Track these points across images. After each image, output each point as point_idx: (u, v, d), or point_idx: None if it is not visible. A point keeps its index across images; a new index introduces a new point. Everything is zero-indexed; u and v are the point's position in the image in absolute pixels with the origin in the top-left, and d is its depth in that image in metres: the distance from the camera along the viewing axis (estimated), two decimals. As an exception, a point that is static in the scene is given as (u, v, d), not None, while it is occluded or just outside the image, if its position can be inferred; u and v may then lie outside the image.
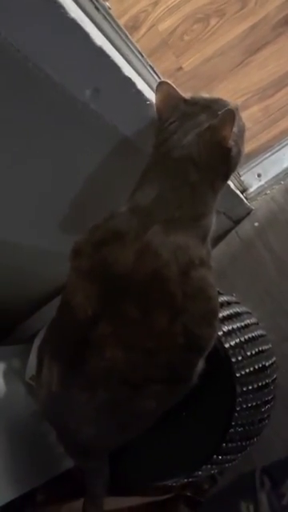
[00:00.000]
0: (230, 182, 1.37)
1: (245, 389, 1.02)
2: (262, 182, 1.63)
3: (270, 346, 1.19)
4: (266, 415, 1.12)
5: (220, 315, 1.04)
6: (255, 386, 1.06)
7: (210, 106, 0.86)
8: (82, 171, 0.92)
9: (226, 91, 1.66)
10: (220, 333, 1.03)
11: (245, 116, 1.65)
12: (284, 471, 1.03)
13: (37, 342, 1.28)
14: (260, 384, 1.07)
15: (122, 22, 1.66)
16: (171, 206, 0.79)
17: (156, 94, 0.84)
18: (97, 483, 0.97)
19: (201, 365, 0.87)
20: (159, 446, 1.01)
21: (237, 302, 1.19)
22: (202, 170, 0.81)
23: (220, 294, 1.13)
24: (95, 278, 0.79)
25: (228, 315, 1.09)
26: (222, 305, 1.10)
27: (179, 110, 0.85)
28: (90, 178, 0.94)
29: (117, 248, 0.78)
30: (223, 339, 1.03)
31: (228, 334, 1.05)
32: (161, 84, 0.84)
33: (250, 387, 1.04)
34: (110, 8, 0.70)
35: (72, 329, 0.81)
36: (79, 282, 0.81)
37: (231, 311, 1.11)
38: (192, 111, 0.85)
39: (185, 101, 0.88)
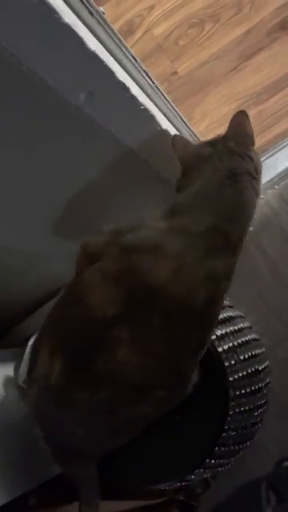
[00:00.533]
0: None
1: (238, 393, 1.03)
2: (256, 187, 1.63)
3: (264, 350, 1.19)
4: (258, 419, 1.12)
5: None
6: (248, 390, 1.06)
7: (228, 135, 0.94)
8: (77, 175, 0.92)
9: (220, 96, 1.67)
10: (213, 337, 1.03)
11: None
12: None
13: (31, 345, 1.28)
14: (253, 388, 1.07)
15: (117, 26, 1.67)
16: (220, 234, 0.82)
17: (174, 146, 0.92)
18: (89, 487, 0.97)
19: (196, 373, 0.89)
20: (152, 450, 1.01)
21: (230, 306, 1.19)
22: (247, 185, 0.87)
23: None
24: (122, 282, 0.80)
25: (221, 319, 1.09)
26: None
27: (203, 152, 0.91)
28: (85, 182, 0.94)
29: (153, 260, 0.80)
30: (216, 343, 1.03)
31: (221, 338, 1.06)
32: (176, 137, 0.93)
33: (243, 391, 1.04)
34: (104, 13, 0.71)
35: (85, 325, 0.82)
36: (100, 282, 0.82)
37: (224, 315, 1.11)
38: (216, 146, 0.91)
39: (203, 145, 0.93)
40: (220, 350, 1.03)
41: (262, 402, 1.12)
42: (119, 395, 0.82)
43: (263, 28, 1.67)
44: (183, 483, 1.11)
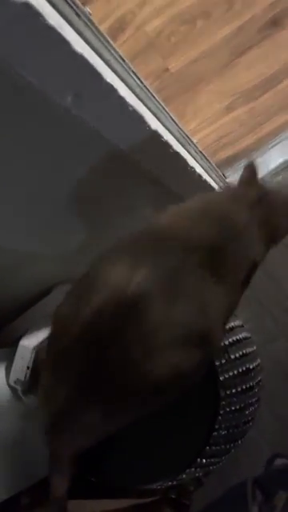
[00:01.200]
0: (215, 185, 1.38)
1: (228, 392, 1.03)
2: (248, 184, 1.64)
3: (255, 348, 1.19)
4: (250, 417, 1.13)
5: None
6: (239, 388, 1.06)
7: None
8: (68, 176, 0.92)
9: (212, 93, 1.67)
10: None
11: (230, 118, 1.68)
12: (276, 483, 1.03)
13: (22, 345, 1.27)
14: (244, 387, 1.08)
15: (108, 23, 1.66)
16: None
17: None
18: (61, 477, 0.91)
19: None
20: (143, 450, 1.01)
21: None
22: None
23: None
24: (210, 217, 0.86)
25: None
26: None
27: None
28: (76, 182, 0.94)
29: (232, 204, 0.91)
30: (207, 343, 1.03)
31: (212, 337, 1.06)
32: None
33: (234, 390, 1.04)
34: (90, 14, 0.70)
35: (171, 247, 0.80)
36: (187, 217, 0.86)
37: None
38: None
39: None
40: (211, 349, 1.03)
41: (254, 400, 1.13)
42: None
43: (255, 25, 1.67)
44: (175, 482, 1.11)
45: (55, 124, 0.74)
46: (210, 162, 1.35)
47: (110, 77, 0.74)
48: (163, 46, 1.66)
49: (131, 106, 0.81)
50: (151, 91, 0.91)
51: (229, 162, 1.67)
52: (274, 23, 1.66)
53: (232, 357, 1.07)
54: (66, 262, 1.23)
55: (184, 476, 1.04)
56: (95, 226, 1.09)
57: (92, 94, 0.72)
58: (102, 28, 0.75)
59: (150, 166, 0.99)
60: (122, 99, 0.78)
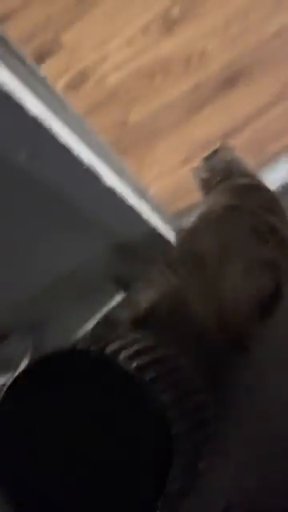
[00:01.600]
0: (171, 236, 1.40)
1: (182, 444, 1.02)
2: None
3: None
4: (205, 466, 1.12)
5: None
6: (194, 440, 1.05)
7: None
8: (23, 231, 0.93)
9: (169, 147, 1.71)
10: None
11: (187, 170, 1.72)
12: None
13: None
14: (199, 436, 1.07)
15: (68, 75, 1.71)
16: None
17: None
18: None
19: None
20: (98, 502, 0.99)
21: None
22: None
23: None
24: None
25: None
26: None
27: None
28: (30, 236, 0.95)
29: None
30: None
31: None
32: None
33: (188, 443, 1.04)
34: (45, 78, 0.73)
35: None
36: None
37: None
38: None
39: None
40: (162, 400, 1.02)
41: (209, 449, 1.12)
42: None
43: (212, 81, 1.74)
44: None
45: (9, 181, 0.75)
46: (165, 215, 1.38)
47: (65, 136, 0.76)
48: (122, 99, 1.71)
49: (86, 164, 0.83)
50: (107, 148, 0.94)
51: (185, 213, 1.70)
52: (231, 81, 1.73)
53: (186, 407, 1.06)
54: (23, 311, 1.22)
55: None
56: (48, 277, 1.10)
57: (47, 153, 0.74)
58: (62, 81, 0.78)
59: (105, 220, 1.01)
60: (76, 157, 0.80)
